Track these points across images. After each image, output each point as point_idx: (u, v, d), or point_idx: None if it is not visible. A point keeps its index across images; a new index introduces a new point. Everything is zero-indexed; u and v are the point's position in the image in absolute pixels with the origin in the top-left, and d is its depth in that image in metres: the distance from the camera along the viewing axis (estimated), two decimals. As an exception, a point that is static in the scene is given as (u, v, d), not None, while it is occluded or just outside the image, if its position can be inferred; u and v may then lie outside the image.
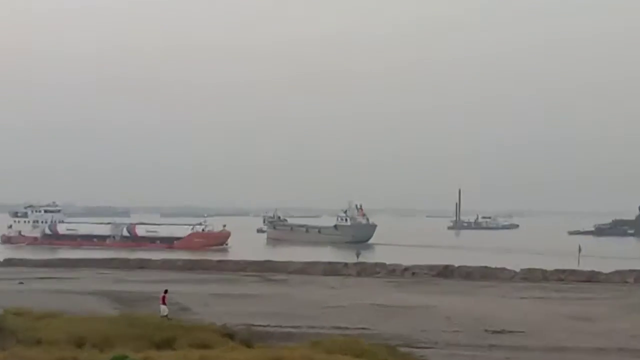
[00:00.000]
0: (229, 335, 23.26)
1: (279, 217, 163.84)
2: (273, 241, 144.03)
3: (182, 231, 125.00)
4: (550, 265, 63.62)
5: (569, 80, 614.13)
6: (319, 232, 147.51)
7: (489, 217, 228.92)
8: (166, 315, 32.10)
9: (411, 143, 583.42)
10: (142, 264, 68.52)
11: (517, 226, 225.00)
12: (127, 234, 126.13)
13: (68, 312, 28.64)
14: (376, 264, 66.31)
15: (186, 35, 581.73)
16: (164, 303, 32.86)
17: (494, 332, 29.92)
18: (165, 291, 34.16)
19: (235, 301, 39.65)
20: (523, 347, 26.11)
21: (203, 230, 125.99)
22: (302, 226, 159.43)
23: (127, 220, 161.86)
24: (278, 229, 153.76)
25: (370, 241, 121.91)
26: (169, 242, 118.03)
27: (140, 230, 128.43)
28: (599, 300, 43.99)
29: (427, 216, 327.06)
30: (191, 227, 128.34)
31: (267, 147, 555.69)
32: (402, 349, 23.58)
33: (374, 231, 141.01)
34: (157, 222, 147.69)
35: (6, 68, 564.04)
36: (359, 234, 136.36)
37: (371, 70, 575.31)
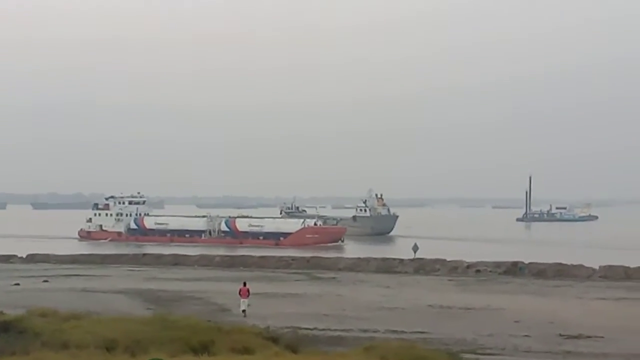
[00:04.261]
0: (272, 339, 23.44)
1: (297, 208, 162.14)
2: None
3: (291, 226, 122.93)
4: (634, 262, 62.74)
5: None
6: (336, 223, 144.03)
7: (564, 208, 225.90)
8: (244, 310, 34.44)
9: (473, 122, 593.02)
10: (177, 260, 69.43)
11: (596, 218, 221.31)
12: (227, 229, 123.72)
13: (97, 312, 29.17)
14: (436, 261, 66.15)
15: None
16: (247, 296, 35.39)
17: (570, 337, 29.68)
18: (244, 283, 36.47)
19: (279, 301, 39.94)
20: (602, 355, 25.87)
21: (315, 224, 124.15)
22: (320, 217, 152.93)
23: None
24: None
25: (423, 233, 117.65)
26: (275, 238, 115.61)
27: (242, 225, 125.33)
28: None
29: (493, 207, 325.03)
30: (301, 221, 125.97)
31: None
32: (465, 356, 23.58)
33: (395, 222, 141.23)
34: (254, 216, 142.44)
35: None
36: (378, 226, 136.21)
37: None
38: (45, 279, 51.65)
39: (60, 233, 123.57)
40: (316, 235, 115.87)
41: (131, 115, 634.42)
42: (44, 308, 29.35)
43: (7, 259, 69.94)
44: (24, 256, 72.04)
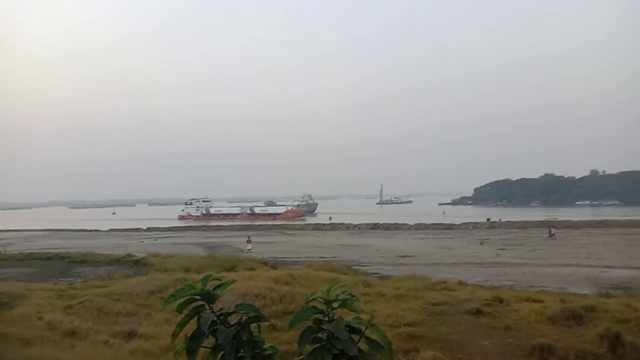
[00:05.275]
0: (264, 263, 23.15)
1: (272, 202, 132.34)
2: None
3: (281, 210, 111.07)
4: (429, 220, 64.02)
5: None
6: (299, 207, 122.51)
7: (397, 197, 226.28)
8: (250, 249, 33.79)
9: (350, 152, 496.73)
10: (219, 228, 68.04)
11: (411, 202, 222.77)
12: (249, 212, 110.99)
13: (180, 254, 28.42)
14: (340, 223, 66.42)
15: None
16: (251, 243, 35.77)
17: (401, 256, 30.00)
18: (249, 237, 37.97)
19: (267, 245, 39.45)
20: (416, 264, 26.20)
21: (292, 208, 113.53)
22: (293, 205, 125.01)
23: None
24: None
25: (333, 212, 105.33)
26: (273, 216, 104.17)
27: (257, 210, 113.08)
28: (454, 238, 44.27)
29: (365, 198, 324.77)
30: (285, 207, 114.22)
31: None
32: (354, 267, 23.62)
33: (316, 207, 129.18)
34: (262, 206, 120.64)
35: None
36: (311, 208, 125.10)
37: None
38: (155, 238, 50.17)
39: (167, 216, 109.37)
40: (292, 214, 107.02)
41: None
42: (154, 252, 28.50)
43: (137, 230, 67.67)
44: (145, 228, 69.82)
